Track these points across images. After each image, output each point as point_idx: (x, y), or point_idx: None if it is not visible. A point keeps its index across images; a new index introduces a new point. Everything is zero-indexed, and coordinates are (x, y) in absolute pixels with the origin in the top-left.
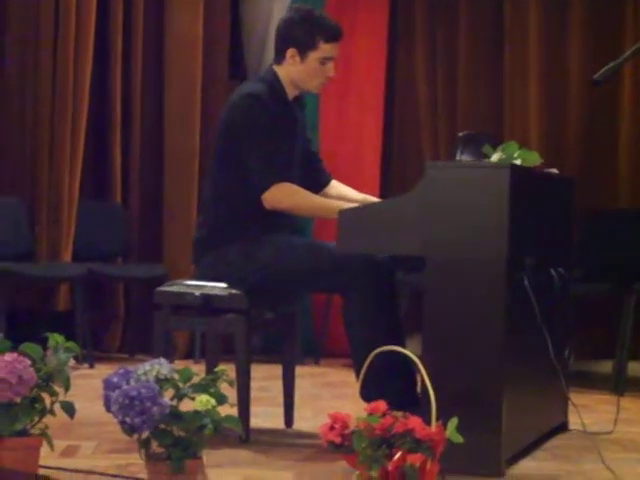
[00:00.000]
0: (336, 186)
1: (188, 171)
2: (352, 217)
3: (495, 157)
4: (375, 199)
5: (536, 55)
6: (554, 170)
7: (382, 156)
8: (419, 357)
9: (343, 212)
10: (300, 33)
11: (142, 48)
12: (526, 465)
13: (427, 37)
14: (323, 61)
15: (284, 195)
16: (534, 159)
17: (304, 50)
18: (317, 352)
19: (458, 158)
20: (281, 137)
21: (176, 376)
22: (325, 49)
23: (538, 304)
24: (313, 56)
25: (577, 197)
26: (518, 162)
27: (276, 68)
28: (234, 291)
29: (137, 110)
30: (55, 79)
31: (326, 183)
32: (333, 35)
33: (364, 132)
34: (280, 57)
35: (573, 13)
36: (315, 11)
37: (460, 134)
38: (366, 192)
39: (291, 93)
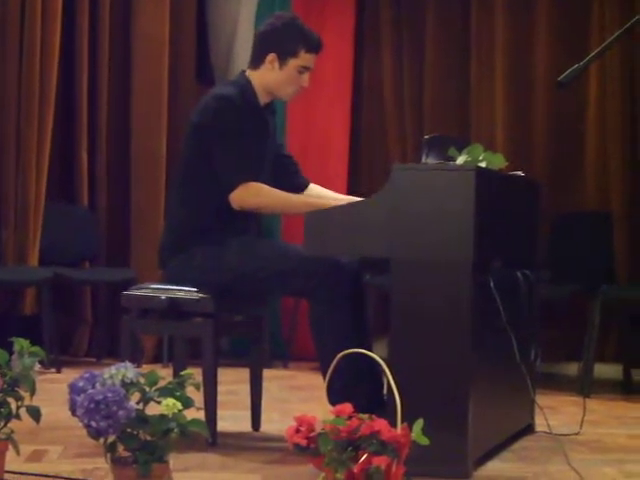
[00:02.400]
0: (314, 189)
1: (155, 174)
2: (318, 219)
3: (461, 160)
4: (349, 197)
5: (502, 58)
6: (520, 172)
7: (349, 159)
8: (385, 360)
9: (309, 215)
10: (283, 40)
11: (108, 51)
12: (493, 467)
13: (394, 39)
14: (301, 70)
15: (250, 194)
16: (499, 161)
17: (284, 57)
18: (285, 355)
19: (424, 161)
20: (251, 139)
21: (142, 380)
22: (305, 58)
23: (504, 306)
24: (293, 63)
25: (543, 199)
26: (483, 164)
27: (249, 73)
28: (201, 295)
29: (104, 113)
30: (21, 82)
31: (304, 187)
32: (315, 46)
33: (331, 135)
34: (258, 62)
35: (539, 16)
36: (298, 20)
37: (426, 137)
38: (333, 190)
39: (263, 99)
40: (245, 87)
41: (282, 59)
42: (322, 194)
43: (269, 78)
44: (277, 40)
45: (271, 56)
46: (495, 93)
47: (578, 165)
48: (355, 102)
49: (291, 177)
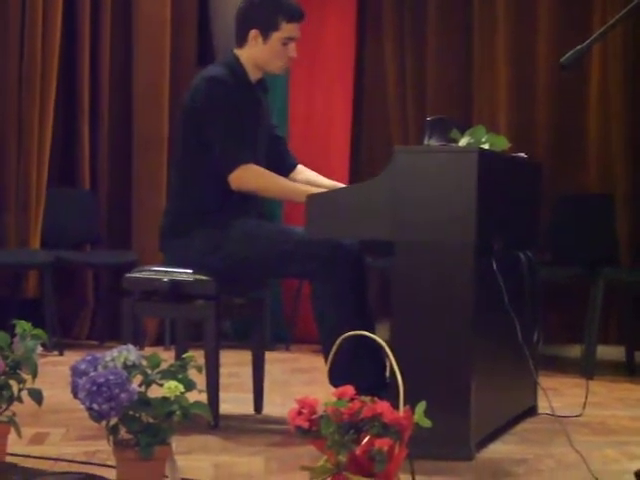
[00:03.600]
0: (303, 171)
1: (157, 157)
2: (320, 202)
3: (463, 141)
4: (343, 185)
5: (504, 40)
6: (522, 154)
7: (351, 141)
8: (388, 342)
9: (311, 197)
10: (262, 14)
11: (110, 33)
12: (495, 449)
13: (395, 24)
14: (285, 41)
15: (250, 176)
16: (502, 143)
17: (266, 31)
18: (287, 338)
19: (426, 143)
20: (245, 118)
21: (144, 362)
22: (287, 29)
23: (506, 288)
24: (276, 36)
25: (545, 181)
26: (486, 146)
27: (237, 52)
28: (203, 277)
29: (105, 96)
30: (22, 65)
31: (292, 168)
32: (295, 15)
33: (333, 117)
34: (242, 40)
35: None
36: None
37: (428, 119)
38: (335, 177)
39: (254, 76)
40: (234, 65)
41: (265, 34)
42: (310, 179)
43: (256, 54)
44: (257, 15)
45: (253, 32)
46: (498, 75)
47: (581, 147)
48: (357, 87)
49: (279, 158)
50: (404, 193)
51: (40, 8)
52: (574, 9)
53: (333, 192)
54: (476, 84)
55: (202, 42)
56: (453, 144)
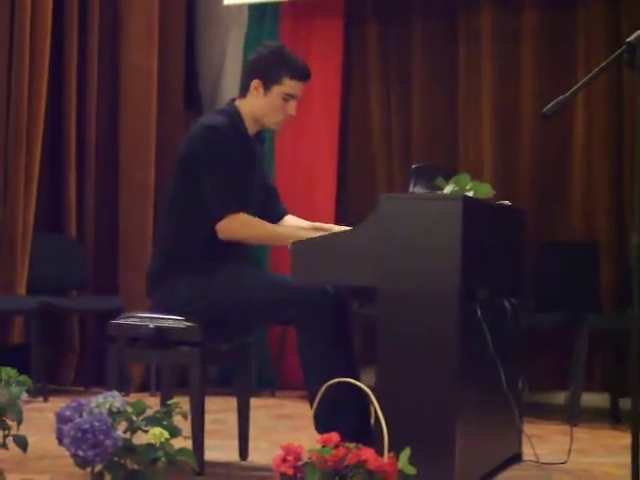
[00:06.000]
0: (290, 219)
1: (143, 203)
2: (305, 249)
3: (448, 189)
4: (329, 226)
5: (489, 88)
6: (506, 202)
7: (337, 188)
8: (372, 389)
9: (296, 245)
10: (267, 66)
11: (97, 79)
12: None
13: (381, 69)
14: (286, 97)
15: (237, 226)
16: (486, 191)
17: (268, 83)
18: (273, 384)
19: (411, 190)
20: (239, 169)
21: (129, 409)
22: (289, 85)
23: (491, 335)
24: (277, 90)
25: (530, 228)
26: (470, 194)
27: (238, 102)
28: (188, 323)
29: (92, 142)
30: (9, 113)
31: (282, 216)
32: (299, 73)
33: (319, 164)
34: (244, 89)
35: (526, 46)
36: (285, 48)
37: (413, 166)
38: (321, 221)
39: (251, 129)
40: (234, 116)
41: (266, 86)
42: (300, 225)
43: (255, 105)
44: (262, 67)
45: (256, 82)
46: (482, 123)
47: (564, 194)
48: (343, 131)
49: (271, 206)
50: (389, 240)
51: (27, 56)
52: (558, 56)
53: (318, 239)
54: (461, 131)
55: (188, 88)
56: (438, 192)
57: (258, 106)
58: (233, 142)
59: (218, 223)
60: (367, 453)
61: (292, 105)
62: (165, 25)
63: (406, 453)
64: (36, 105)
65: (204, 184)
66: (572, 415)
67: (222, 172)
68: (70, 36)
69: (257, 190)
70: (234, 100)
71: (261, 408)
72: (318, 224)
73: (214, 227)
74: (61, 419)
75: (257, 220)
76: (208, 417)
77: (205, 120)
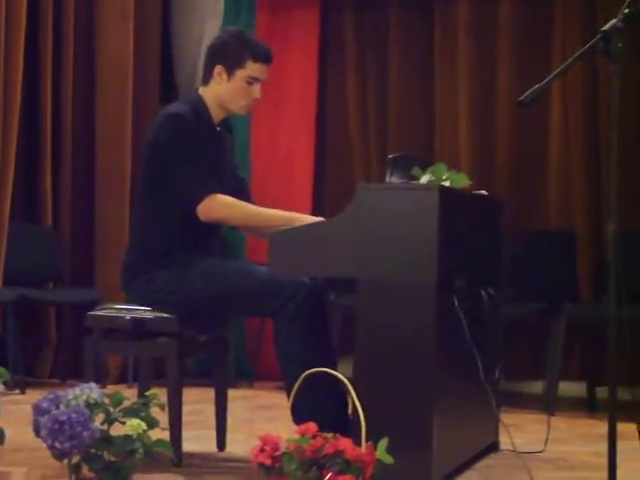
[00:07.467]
0: None
1: (120, 193)
2: (283, 240)
3: (424, 179)
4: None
5: (465, 77)
6: (483, 192)
7: (314, 178)
8: (350, 379)
9: (274, 235)
10: (229, 51)
11: (73, 70)
12: None
13: (358, 59)
14: (250, 80)
15: (218, 205)
16: (463, 181)
17: (231, 68)
18: (251, 375)
19: (388, 180)
20: (209, 154)
21: (106, 400)
22: (253, 68)
23: (468, 325)
24: (240, 74)
25: (506, 218)
26: (447, 184)
27: (202, 90)
28: (165, 315)
29: (68, 132)
30: None
31: None
32: (261, 55)
33: (296, 154)
34: (207, 76)
35: (502, 36)
36: (246, 32)
37: (390, 156)
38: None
39: (217, 116)
40: (197, 104)
41: (229, 70)
42: None
43: (219, 91)
44: (224, 52)
45: (218, 68)
46: (459, 113)
47: (541, 184)
48: (319, 121)
49: (239, 197)
50: (366, 230)
51: (2, 42)
52: (534, 47)
53: (295, 229)
54: (437, 121)
55: (165, 80)
56: (414, 181)
57: (222, 92)
58: (197, 130)
59: (198, 205)
60: (345, 443)
61: (256, 88)
62: (141, 12)
63: (384, 443)
64: (11, 93)
65: (176, 171)
66: (549, 404)
67: (194, 156)
68: (45, 23)
69: (228, 178)
70: (197, 89)
71: (239, 399)
72: (293, 213)
73: (188, 217)
74: (38, 411)
75: (237, 200)
76: (186, 408)
77: (168, 109)
